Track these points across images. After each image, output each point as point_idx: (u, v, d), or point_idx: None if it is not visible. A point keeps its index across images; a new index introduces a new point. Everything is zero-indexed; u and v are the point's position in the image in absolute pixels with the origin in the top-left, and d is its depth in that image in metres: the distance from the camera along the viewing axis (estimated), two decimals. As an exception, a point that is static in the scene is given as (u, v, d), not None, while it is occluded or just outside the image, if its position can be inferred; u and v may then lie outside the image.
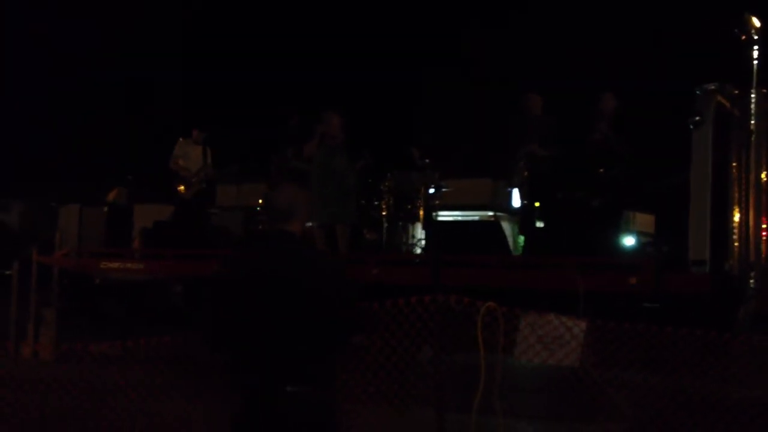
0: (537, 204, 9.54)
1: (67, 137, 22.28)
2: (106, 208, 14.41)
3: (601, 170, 8.81)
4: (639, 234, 12.88)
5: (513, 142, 9.63)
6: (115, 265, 10.29)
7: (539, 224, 9.75)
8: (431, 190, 10.68)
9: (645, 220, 13.45)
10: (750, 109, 7.08)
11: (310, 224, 9.65)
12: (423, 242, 10.65)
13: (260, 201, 12.02)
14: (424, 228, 10.75)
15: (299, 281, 3.65)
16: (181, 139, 11.37)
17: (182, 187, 11.17)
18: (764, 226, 7.22)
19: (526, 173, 9.51)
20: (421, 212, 10.65)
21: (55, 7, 22.42)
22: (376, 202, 10.70)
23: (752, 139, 7.08)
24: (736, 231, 7.19)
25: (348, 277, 3.84)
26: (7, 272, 11.08)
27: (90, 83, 22.61)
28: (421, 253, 10.39)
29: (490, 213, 11.98)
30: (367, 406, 5.85)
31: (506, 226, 11.11)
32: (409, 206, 10.62)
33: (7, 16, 22.59)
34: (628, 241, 11.90)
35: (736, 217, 7.19)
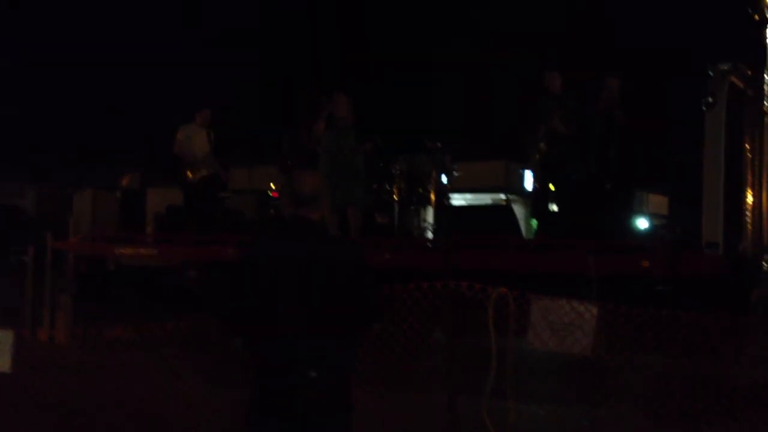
0: (552, 187, 9.48)
1: (79, 123, 22.38)
2: (119, 193, 14.48)
3: (608, 151, 8.74)
4: (652, 216, 12.85)
5: (533, 119, 9.54)
6: (129, 250, 10.33)
7: (552, 207, 9.71)
8: (443, 177, 10.65)
9: (659, 201, 13.41)
10: (763, 89, 6.99)
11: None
12: (435, 226, 10.64)
13: (272, 185, 12.01)
14: (436, 212, 10.74)
15: (322, 268, 3.66)
16: (183, 125, 11.32)
17: (189, 173, 11.15)
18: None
19: (543, 149, 9.39)
20: (433, 196, 10.63)
21: None
22: (387, 186, 10.68)
23: (765, 119, 7.01)
24: (749, 213, 7.14)
25: (367, 264, 3.83)
26: (23, 258, 11.18)
27: (102, 68, 22.68)
28: (433, 238, 10.39)
29: (503, 195, 11.96)
30: (379, 389, 5.88)
31: (518, 209, 11.10)
32: (421, 190, 10.60)
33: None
34: (642, 223, 11.88)
35: (750, 198, 7.13)
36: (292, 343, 3.61)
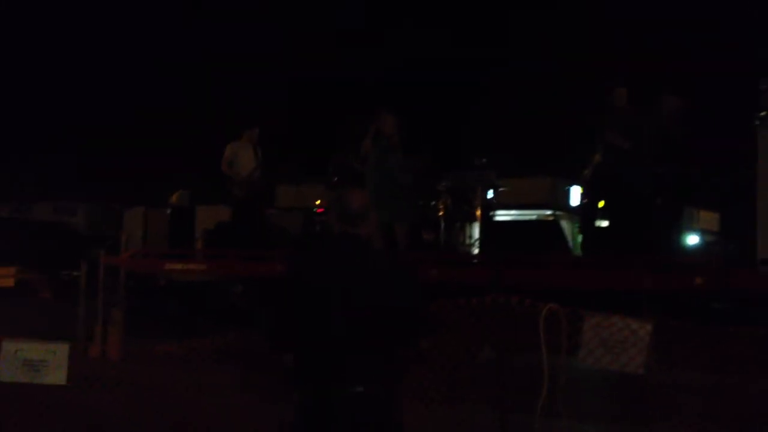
0: (601, 203, 9.39)
1: (130, 141, 22.76)
2: (169, 210, 14.68)
3: (660, 167, 8.63)
4: (703, 232, 12.63)
5: (591, 131, 9.47)
6: (178, 266, 10.46)
7: (600, 223, 9.62)
8: (489, 193, 10.62)
9: (709, 218, 13.18)
10: (817, 102, 6.89)
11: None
12: (481, 242, 10.61)
13: (318, 202, 12.10)
14: (481, 228, 10.70)
15: (369, 284, 3.67)
16: (231, 142, 11.44)
17: (236, 190, 11.27)
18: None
19: (597, 160, 9.30)
20: (479, 212, 10.61)
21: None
22: (433, 203, 10.69)
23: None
24: (804, 228, 7.00)
25: (416, 280, 3.83)
26: (75, 274, 11.39)
27: (152, 88, 23.08)
28: (479, 253, 10.35)
29: (549, 212, 11.86)
30: (428, 407, 5.85)
31: (565, 225, 11.01)
32: (467, 206, 10.58)
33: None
34: (692, 239, 11.69)
35: (805, 214, 6.99)
36: (340, 358, 3.62)
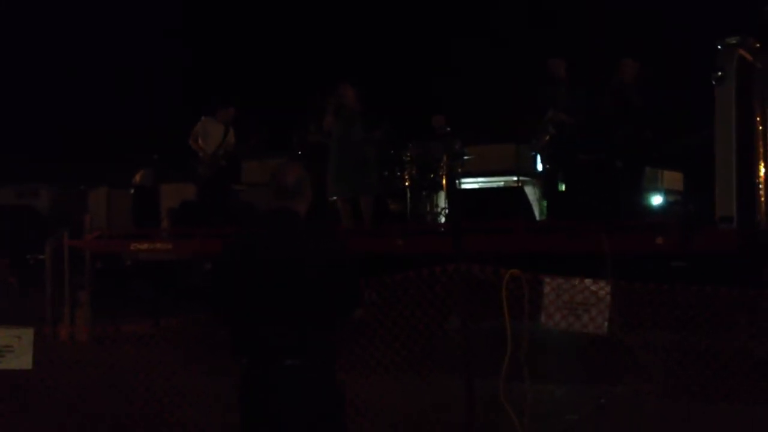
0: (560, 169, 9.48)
1: (92, 121, 22.46)
2: (133, 190, 14.53)
3: (618, 131, 8.71)
4: (668, 192, 12.77)
5: (540, 107, 9.55)
6: (144, 246, 10.38)
7: (562, 188, 9.70)
8: (454, 161, 10.65)
9: (674, 178, 13.32)
10: (772, 61, 6.96)
11: (334, 198, 9.69)
12: (447, 211, 10.64)
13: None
14: (447, 196, 10.74)
15: (297, 258, 3.69)
16: (203, 117, 11.27)
17: (201, 168, 11.11)
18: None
19: (548, 137, 9.45)
20: (444, 181, 10.63)
21: None
22: (398, 173, 10.69)
23: (775, 91, 6.97)
24: (762, 186, 7.11)
25: (348, 252, 3.84)
26: (41, 257, 11.28)
27: (114, 65, 22.75)
28: (445, 222, 10.39)
29: (515, 178, 11.91)
30: (395, 375, 5.90)
31: (530, 190, 11.08)
32: (432, 175, 10.61)
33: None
34: (656, 199, 11.81)
35: (762, 171, 7.10)
36: (275, 332, 3.64)
